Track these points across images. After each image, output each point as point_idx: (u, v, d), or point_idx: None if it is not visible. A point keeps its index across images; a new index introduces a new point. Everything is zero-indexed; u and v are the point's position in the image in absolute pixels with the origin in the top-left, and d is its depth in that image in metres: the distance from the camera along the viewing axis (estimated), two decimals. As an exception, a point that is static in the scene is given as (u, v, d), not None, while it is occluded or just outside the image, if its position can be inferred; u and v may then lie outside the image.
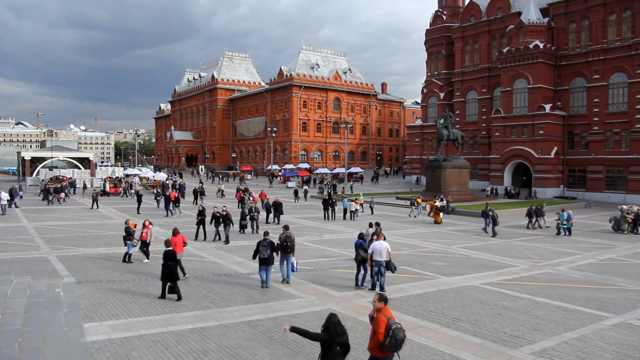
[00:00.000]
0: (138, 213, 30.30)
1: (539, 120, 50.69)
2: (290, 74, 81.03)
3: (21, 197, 37.21)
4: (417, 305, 12.20)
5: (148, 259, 16.25)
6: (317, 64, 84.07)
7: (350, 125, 78.44)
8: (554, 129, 51.08)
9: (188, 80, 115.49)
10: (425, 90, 69.57)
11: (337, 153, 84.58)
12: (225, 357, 8.41)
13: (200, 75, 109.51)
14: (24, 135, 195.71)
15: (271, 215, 28.51)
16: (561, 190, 51.69)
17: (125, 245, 16.22)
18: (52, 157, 61.25)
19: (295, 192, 44.28)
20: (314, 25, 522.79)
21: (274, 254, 13.37)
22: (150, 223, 16.55)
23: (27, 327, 8.67)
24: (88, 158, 62.39)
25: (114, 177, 56.08)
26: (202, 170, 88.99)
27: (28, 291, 10.90)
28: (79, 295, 11.72)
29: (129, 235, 16.11)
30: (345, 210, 32.35)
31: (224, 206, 21.77)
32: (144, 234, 16.15)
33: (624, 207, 31.16)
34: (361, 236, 14.84)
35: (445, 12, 66.25)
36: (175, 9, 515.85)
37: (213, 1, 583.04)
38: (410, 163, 71.92)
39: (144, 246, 16.24)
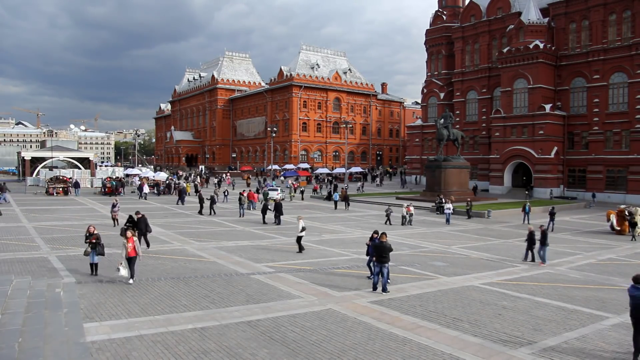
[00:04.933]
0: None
1: (539, 120, 50.68)
2: (290, 74, 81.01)
3: (5, 200, 35.39)
4: (417, 305, 12.20)
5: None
6: (317, 64, 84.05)
7: (350, 125, 78.38)
8: (554, 129, 51.07)
9: (188, 80, 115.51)
10: (425, 90, 69.58)
11: (337, 153, 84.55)
12: (225, 357, 8.41)
13: (200, 75, 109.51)
14: (24, 135, 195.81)
15: (270, 216, 28.56)
16: (561, 190, 51.69)
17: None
18: (52, 157, 61.22)
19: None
20: (317, 23, 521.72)
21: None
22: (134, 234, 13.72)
23: (27, 327, 8.67)
24: (88, 158, 62.34)
25: (114, 177, 56.05)
26: (202, 170, 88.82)
27: (28, 291, 10.90)
28: (79, 295, 11.72)
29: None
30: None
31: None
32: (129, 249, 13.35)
33: (621, 207, 31.24)
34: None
35: (445, 12, 66.25)
36: (176, 7, 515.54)
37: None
38: (410, 163, 71.89)
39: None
